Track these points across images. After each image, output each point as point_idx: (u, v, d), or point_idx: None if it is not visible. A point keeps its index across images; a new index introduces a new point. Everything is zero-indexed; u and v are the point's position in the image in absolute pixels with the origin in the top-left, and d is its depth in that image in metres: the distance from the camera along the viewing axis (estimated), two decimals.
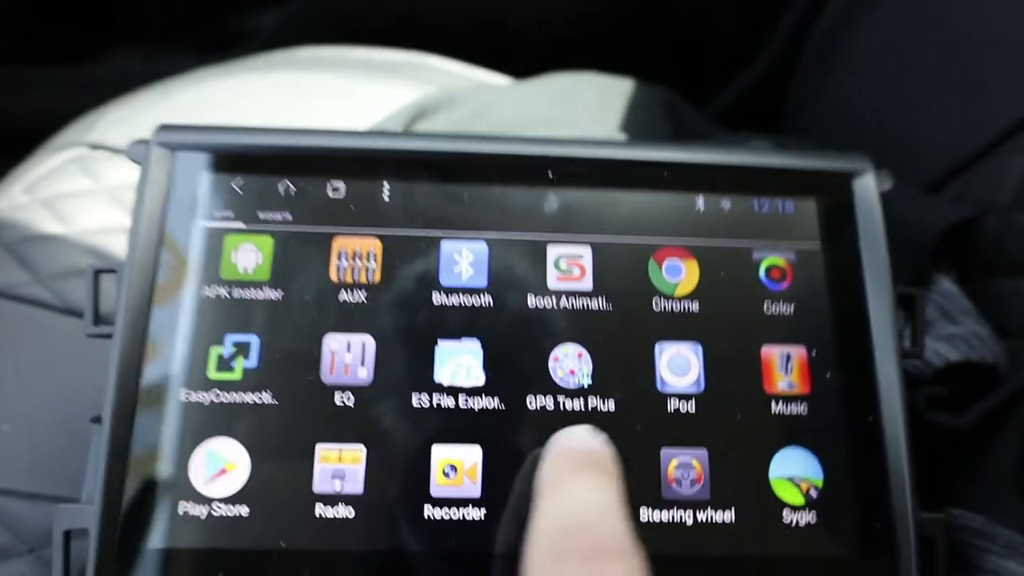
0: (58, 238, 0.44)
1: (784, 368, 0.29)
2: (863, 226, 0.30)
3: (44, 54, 0.73)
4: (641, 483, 0.28)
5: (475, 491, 0.27)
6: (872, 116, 0.49)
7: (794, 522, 0.28)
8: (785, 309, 0.30)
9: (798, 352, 0.29)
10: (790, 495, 0.28)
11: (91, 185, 0.47)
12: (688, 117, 0.53)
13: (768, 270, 0.30)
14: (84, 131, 0.49)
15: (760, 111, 0.65)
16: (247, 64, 0.55)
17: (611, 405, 0.28)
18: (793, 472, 0.28)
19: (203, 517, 0.27)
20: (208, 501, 0.27)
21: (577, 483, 0.23)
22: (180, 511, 0.27)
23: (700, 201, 0.31)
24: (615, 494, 0.23)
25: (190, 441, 0.27)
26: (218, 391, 0.28)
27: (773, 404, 0.29)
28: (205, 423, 0.27)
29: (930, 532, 0.28)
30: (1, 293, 0.42)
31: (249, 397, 0.28)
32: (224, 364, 0.28)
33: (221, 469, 0.27)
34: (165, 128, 0.30)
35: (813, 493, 0.28)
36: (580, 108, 0.51)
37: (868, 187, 0.31)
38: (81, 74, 0.72)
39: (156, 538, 0.26)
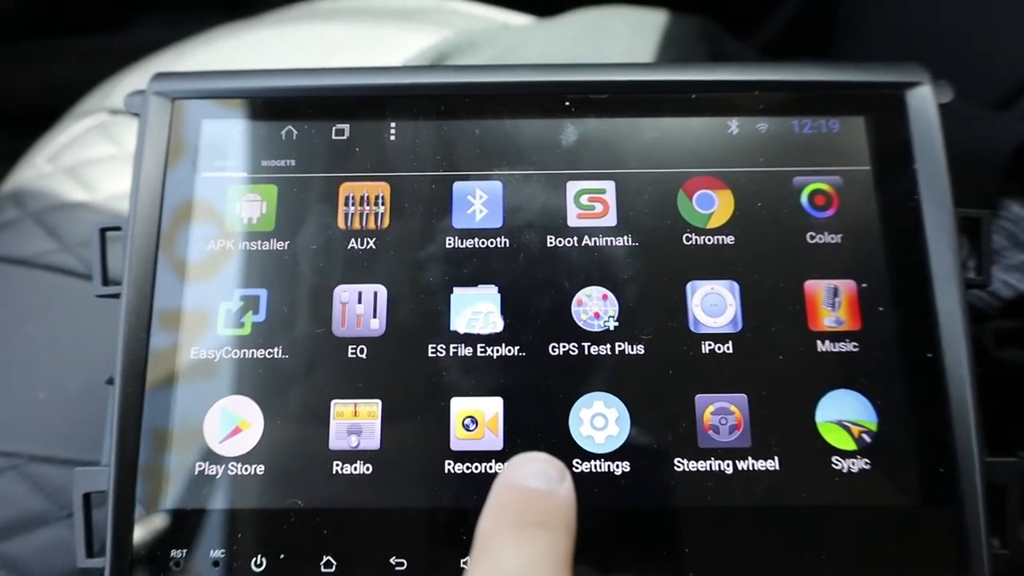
0: (83, 205, 0.44)
1: (831, 303, 0.27)
2: (919, 143, 0.28)
3: (69, 25, 0.73)
4: (675, 432, 0.26)
5: (497, 444, 0.26)
6: (933, 31, 0.45)
7: (845, 469, 0.25)
8: (831, 239, 0.27)
9: (846, 285, 0.27)
10: (840, 440, 0.26)
11: (114, 151, 0.46)
12: (729, 48, 0.49)
13: (811, 196, 0.28)
14: (104, 97, 0.49)
15: (807, 38, 0.60)
16: (265, 20, 0.54)
17: (640, 349, 0.26)
18: (843, 416, 0.26)
19: (218, 477, 0.26)
20: (223, 460, 0.26)
21: (510, 544, 0.20)
22: (196, 471, 0.26)
23: (733, 124, 0.28)
24: (554, 557, 0.20)
25: (203, 399, 0.27)
26: (228, 347, 0.27)
27: (819, 343, 0.26)
28: (217, 380, 0.27)
29: (999, 479, 0.25)
30: (29, 262, 0.42)
31: (259, 352, 0.27)
32: (233, 319, 0.27)
33: (235, 428, 0.26)
34: (161, 76, 0.29)
35: (866, 438, 0.26)
36: (610, 46, 0.48)
37: (924, 99, 0.28)
38: (106, 44, 0.72)
39: (173, 499, 0.26)
